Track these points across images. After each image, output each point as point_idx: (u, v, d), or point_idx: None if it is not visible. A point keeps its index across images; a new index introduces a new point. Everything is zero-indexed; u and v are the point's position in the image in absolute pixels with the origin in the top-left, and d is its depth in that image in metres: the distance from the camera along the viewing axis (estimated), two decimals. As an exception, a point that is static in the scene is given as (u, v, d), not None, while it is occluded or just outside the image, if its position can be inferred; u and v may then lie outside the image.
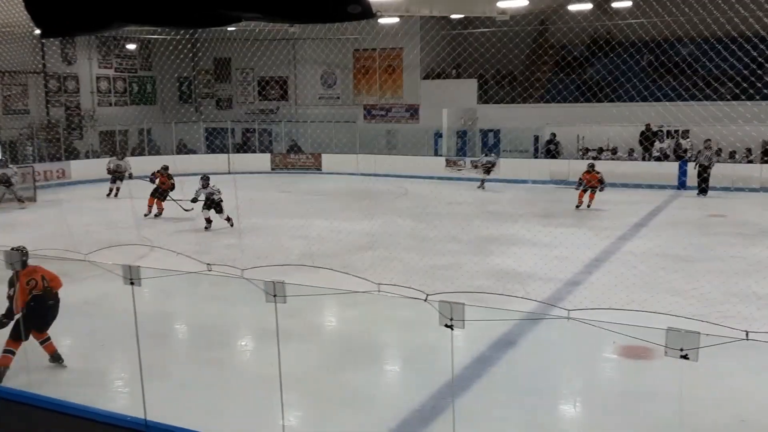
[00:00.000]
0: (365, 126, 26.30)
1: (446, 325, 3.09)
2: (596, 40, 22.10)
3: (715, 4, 16.73)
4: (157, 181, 16.34)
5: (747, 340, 2.90)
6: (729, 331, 2.68)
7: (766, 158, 19.62)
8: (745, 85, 18.92)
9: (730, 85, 19.19)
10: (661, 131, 21.45)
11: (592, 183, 16.76)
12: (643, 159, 21.46)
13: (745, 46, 18.16)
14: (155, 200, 16.17)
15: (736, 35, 17.82)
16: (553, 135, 22.89)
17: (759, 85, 18.68)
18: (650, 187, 19.74)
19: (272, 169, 25.89)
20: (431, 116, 24.95)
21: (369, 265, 10.84)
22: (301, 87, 27.44)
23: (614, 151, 22.06)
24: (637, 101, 21.04)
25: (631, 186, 19.79)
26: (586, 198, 16.89)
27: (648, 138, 21.34)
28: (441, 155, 24.55)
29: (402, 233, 13.87)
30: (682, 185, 19.63)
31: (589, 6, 19.71)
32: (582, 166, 18.35)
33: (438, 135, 25.10)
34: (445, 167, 23.68)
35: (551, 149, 22.83)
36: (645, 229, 14.26)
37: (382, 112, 26.25)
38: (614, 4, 19.70)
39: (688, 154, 20.48)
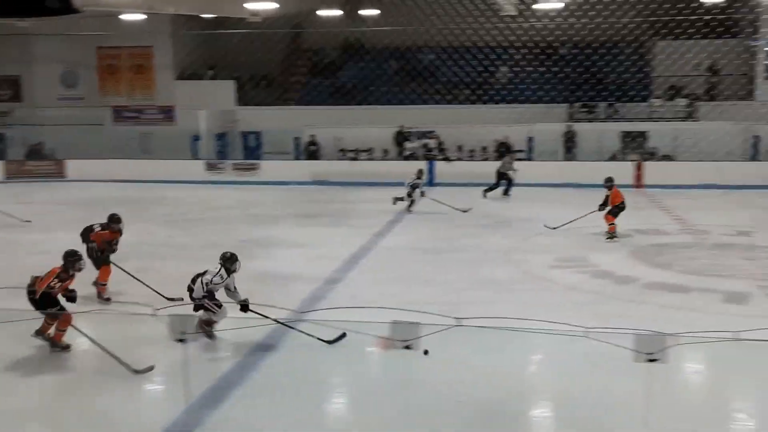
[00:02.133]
0: (115, 129, 24.58)
1: (178, 340, 2.93)
2: (348, 46, 22.98)
3: (450, 16, 18.33)
4: None
5: (460, 326, 3.16)
6: (442, 319, 2.91)
7: (497, 155, 21.76)
8: (478, 90, 21.06)
9: (468, 90, 21.14)
10: (410, 132, 22.94)
11: None
12: (400, 158, 22.76)
13: (476, 57, 20.20)
14: None
15: (469, 45, 19.71)
16: (313, 137, 23.35)
17: (487, 89, 20.85)
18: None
19: (7, 177, 23.09)
20: (189, 118, 24.04)
21: (122, 278, 10.10)
22: (37, 87, 24.84)
23: (370, 151, 23.12)
24: (388, 104, 22.30)
25: (387, 184, 20.81)
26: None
27: (401, 138, 22.69)
28: (200, 158, 23.79)
29: (157, 242, 13.19)
30: (431, 182, 21.06)
31: (339, 12, 20.40)
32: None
33: (196, 138, 24.28)
34: (205, 171, 22.98)
35: (311, 151, 23.28)
36: (399, 226, 15.13)
37: (133, 114, 24.73)
38: (362, 12, 20.61)
39: (434, 153, 22.14)
